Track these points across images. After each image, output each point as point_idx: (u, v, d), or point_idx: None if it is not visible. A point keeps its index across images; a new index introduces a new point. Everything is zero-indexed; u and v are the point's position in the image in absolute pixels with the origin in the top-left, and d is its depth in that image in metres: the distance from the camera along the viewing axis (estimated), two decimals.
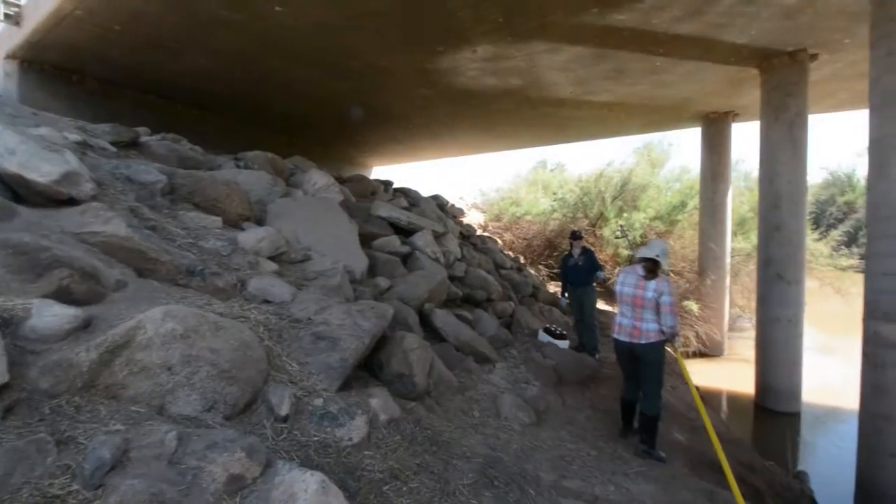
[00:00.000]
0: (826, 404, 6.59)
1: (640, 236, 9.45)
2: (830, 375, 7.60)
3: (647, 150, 12.03)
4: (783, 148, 6.43)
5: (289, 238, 3.66)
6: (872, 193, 4.27)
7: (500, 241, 10.29)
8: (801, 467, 5.14)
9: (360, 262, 3.86)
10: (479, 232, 9.44)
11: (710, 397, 6.82)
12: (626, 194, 10.55)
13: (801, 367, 6.33)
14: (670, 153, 12.54)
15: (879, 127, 4.17)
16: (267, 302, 2.81)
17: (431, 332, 3.85)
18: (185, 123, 8.72)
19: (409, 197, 7.04)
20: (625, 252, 8.99)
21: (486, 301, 5.25)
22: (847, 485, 4.31)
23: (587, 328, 5.06)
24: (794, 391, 6.29)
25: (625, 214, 10.00)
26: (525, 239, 11.07)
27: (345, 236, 4.06)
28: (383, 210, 5.30)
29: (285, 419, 2.08)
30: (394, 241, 4.75)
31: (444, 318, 3.85)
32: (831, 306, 10.36)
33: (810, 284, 9.77)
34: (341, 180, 6.50)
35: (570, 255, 5.29)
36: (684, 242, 9.93)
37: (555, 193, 11.83)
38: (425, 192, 8.51)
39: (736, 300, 9.51)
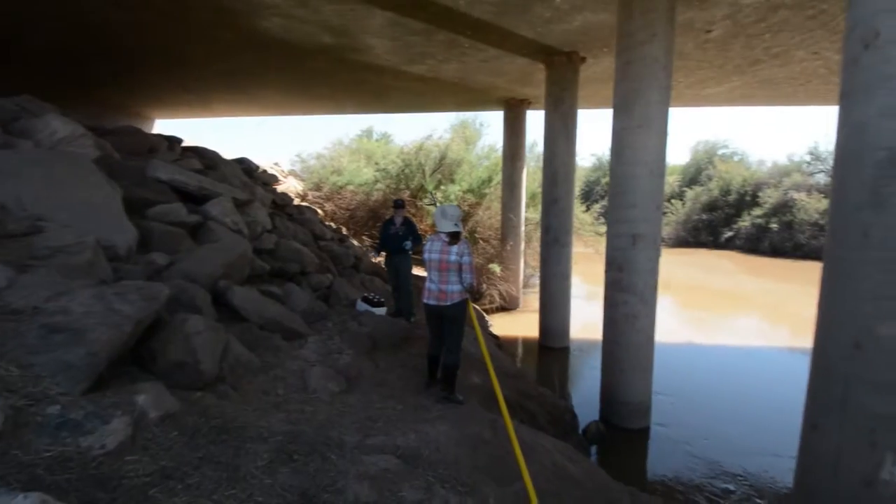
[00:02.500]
0: (587, 338, 8.53)
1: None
2: (591, 316, 9.87)
3: (462, 127, 13.13)
4: (560, 135, 7.82)
5: (6, 204, 2.75)
6: (612, 174, 5.54)
7: (320, 212, 9.91)
8: (567, 389, 6.61)
9: (124, 235, 3.18)
10: (296, 201, 8.88)
11: (507, 343, 8.13)
12: (444, 168, 11.38)
13: (570, 311, 8.07)
14: (482, 132, 14.00)
15: (619, 122, 5.37)
16: None
17: (230, 312, 3.48)
18: None
19: (204, 158, 6.08)
20: None
21: (301, 274, 5.02)
22: (597, 397, 5.72)
23: (404, 294, 5.35)
24: (565, 330, 8.01)
25: (442, 187, 10.81)
26: (348, 209, 10.93)
27: (101, 202, 3.27)
28: (164, 172, 4.45)
29: None
30: (178, 210, 4.05)
31: (244, 296, 3.52)
32: (598, 266, 13.34)
33: (581, 248, 12.40)
34: (101, 131, 5.17)
35: (392, 222, 5.44)
36: (491, 213, 11.35)
37: (377, 164, 11.93)
38: (231, 154, 7.51)
39: (529, 261, 11.42)
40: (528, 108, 10.81)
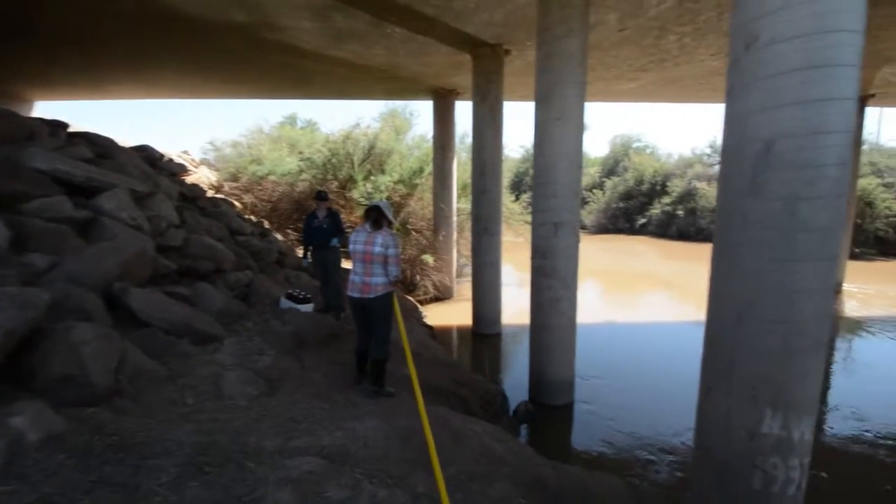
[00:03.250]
0: (519, 323, 8.88)
1: (387, 199, 10.24)
2: (522, 302, 10.27)
3: (391, 116, 12.91)
4: (487, 126, 7.98)
5: None
6: (535, 165, 5.77)
7: (238, 204, 9.28)
8: (500, 373, 6.85)
9: None
10: (210, 193, 8.22)
11: (442, 333, 8.23)
12: (374, 158, 11.13)
13: (500, 299, 8.35)
14: (412, 122, 13.88)
15: (540, 114, 5.58)
16: None
17: (129, 318, 3.14)
18: None
19: (95, 145, 5.39)
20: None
21: (215, 272, 4.66)
22: (526, 378, 5.98)
23: (332, 289, 5.19)
24: (496, 317, 8.29)
25: (372, 177, 10.58)
26: (270, 201, 10.31)
27: None
28: (44, 160, 3.89)
29: None
30: (61, 204, 3.57)
31: (145, 299, 3.19)
32: (528, 253, 13.84)
33: (512, 237, 12.83)
34: None
35: (315, 215, 5.25)
36: (423, 204, 11.34)
37: (301, 153, 11.35)
38: (132, 142, 6.74)
39: (462, 251, 11.61)
40: (458, 99, 10.88)
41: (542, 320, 5.69)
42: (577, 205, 5.63)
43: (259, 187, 10.63)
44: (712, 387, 2.95)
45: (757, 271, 2.66)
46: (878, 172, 19.98)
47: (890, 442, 4.82)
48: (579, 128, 5.47)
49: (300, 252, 7.95)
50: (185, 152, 11.44)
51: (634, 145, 32.61)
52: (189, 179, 8.46)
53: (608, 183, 29.13)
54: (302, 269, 6.88)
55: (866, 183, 18.00)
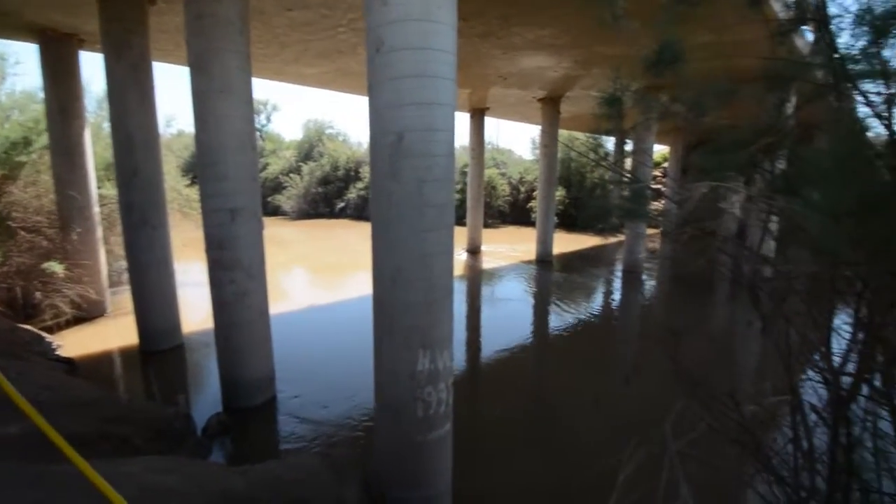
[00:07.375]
0: (208, 329, 7.92)
1: None
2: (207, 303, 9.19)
3: None
4: (130, 89, 6.54)
5: None
6: (198, 143, 5.15)
7: None
8: (184, 391, 5.97)
9: None
10: None
11: (92, 362, 6.42)
12: None
13: (177, 304, 7.22)
14: (7, 70, 9.77)
15: (198, 83, 4.97)
16: None
17: None
18: None
19: None
20: None
21: None
22: (218, 387, 5.43)
23: None
24: (174, 327, 7.13)
25: None
26: None
27: None
28: None
29: None
30: None
31: None
32: None
33: (193, 229, 11.15)
34: None
35: None
36: (38, 191, 8.31)
37: None
38: None
39: (117, 251, 9.28)
40: (83, 49, 8.39)
41: (229, 318, 5.30)
42: (256, 188, 5.44)
43: None
44: (381, 340, 3.49)
45: (402, 241, 3.28)
46: (497, 165, 28.26)
47: (501, 356, 7.06)
48: (248, 104, 5.24)
49: None
50: None
51: (327, 131, 34.14)
52: None
53: (305, 168, 29.53)
54: None
55: (491, 173, 25.13)
